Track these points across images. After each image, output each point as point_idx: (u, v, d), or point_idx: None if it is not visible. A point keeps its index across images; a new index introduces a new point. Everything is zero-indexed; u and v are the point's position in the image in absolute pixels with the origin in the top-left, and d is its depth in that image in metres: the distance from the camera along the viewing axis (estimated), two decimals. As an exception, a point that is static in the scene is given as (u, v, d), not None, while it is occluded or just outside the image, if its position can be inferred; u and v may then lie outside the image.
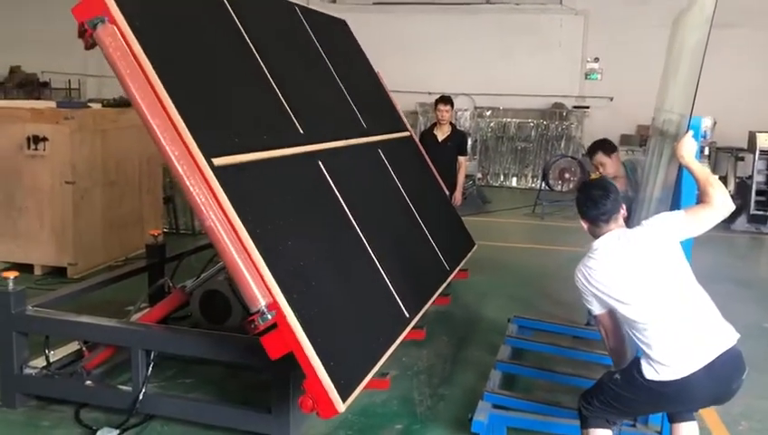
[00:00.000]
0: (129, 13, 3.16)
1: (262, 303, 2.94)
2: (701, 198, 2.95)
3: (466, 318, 5.71)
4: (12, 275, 3.80)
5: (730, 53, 12.79)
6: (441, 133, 7.00)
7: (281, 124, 4.08)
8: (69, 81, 17.03)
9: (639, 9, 13.66)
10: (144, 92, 3.03)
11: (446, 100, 7.01)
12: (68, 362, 4.00)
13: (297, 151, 4.02)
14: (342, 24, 6.55)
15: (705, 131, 8.46)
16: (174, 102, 3.10)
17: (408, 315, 4.15)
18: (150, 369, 3.67)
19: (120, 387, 3.84)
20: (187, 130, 3.09)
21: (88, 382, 3.81)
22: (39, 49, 16.91)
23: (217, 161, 3.19)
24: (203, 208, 2.97)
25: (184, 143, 3.06)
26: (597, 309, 3.03)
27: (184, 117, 3.11)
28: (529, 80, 14.42)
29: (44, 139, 6.17)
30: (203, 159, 3.09)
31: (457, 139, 7.12)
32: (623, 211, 3.06)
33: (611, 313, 3.00)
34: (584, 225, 3.09)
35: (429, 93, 10.84)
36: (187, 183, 2.98)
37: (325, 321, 3.28)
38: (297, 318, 3.02)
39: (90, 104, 7.34)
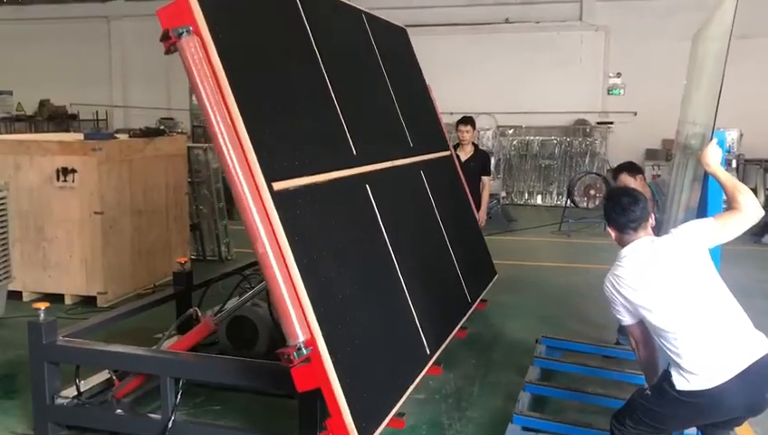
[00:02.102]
0: (214, 23, 3.12)
1: (300, 338, 2.95)
2: (730, 205, 2.93)
3: (493, 339, 5.66)
4: (43, 305, 3.85)
5: (755, 64, 12.69)
6: (464, 154, 7.01)
7: (337, 145, 4.06)
8: (96, 112, 17.41)
9: (660, 23, 13.61)
10: (219, 110, 3.02)
11: (466, 121, 7.03)
12: (98, 390, 4.04)
13: (348, 174, 4.00)
14: (403, 33, 6.54)
15: (728, 146, 8.39)
16: (244, 123, 3.08)
17: (428, 352, 4.13)
18: (179, 396, 3.69)
19: (150, 415, 3.86)
20: (253, 151, 3.07)
21: (118, 411, 3.84)
22: (67, 82, 17.35)
23: (277, 186, 3.17)
24: (257, 234, 2.98)
25: (248, 165, 3.04)
26: (627, 320, 3.00)
27: (252, 138, 3.09)
28: (551, 97, 14.41)
29: (73, 170, 6.29)
30: (264, 183, 3.07)
31: (480, 159, 7.13)
32: (652, 220, 3.04)
33: (642, 323, 2.97)
34: (612, 233, 3.06)
35: (451, 114, 10.86)
36: (246, 206, 2.99)
37: (355, 360, 3.27)
38: (330, 356, 3.01)
39: (117, 135, 7.48)
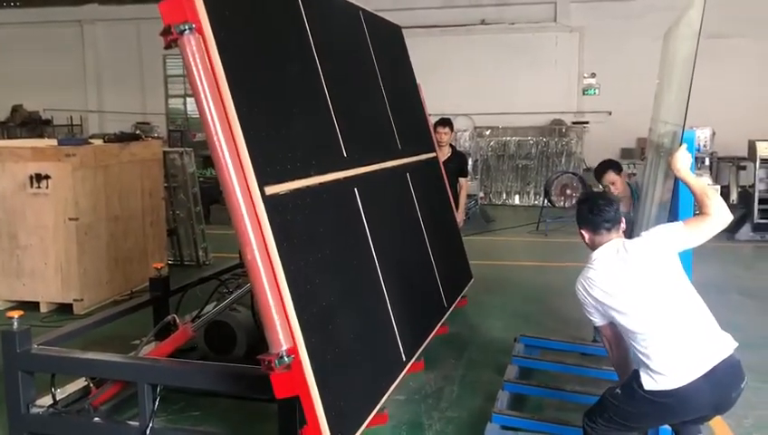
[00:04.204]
0: (216, 21, 3.04)
1: (283, 347, 2.93)
2: (699, 210, 2.97)
3: (473, 339, 5.68)
4: (16, 314, 3.80)
5: (728, 63, 12.90)
6: (441, 155, 7.01)
7: (329, 148, 4.03)
8: (71, 117, 17.21)
9: (633, 23, 13.78)
10: (217, 111, 2.95)
11: (444, 122, 7.05)
12: (75, 399, 4.00)
13: (338, 177, 3.97)
14: (398, 31, 6.53)
15: (698, 144, 8.48)
16: (241, 125, 3.02)
17: (404, 359, 4.14)
18: (157, 403, 3.66)
19: (128, 422, 3.81)
20: (247, 155, 3.02)
21: (95, 419, 3.80)
22: (40, 87, 17.13)
23: (269, 190, 3.13)
24: (248, 240, 2.94)
25: (242, 169, 2.99)
26: (598, 320, 3.06)
27: (247, 141, 3.04)
28: (527, 98, 14.52)
29: (47, 177, 6.22)
30: (257, 188, 3.02)
31: (457, 160, 7.15)
32: (623, 225, 3.11)
33: (613, 324, 3.02)
34: (585, 235, 3.12)
35: (429, 115, 10.97)
36: (238, 211, 2.94)
37: (334, 368, 3.27)
38: (311, 365, 3.00)
39: (91, 140, 7.40)
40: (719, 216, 2.90)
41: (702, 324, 2.88)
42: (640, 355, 2.86)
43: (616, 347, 3.11)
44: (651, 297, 2.87)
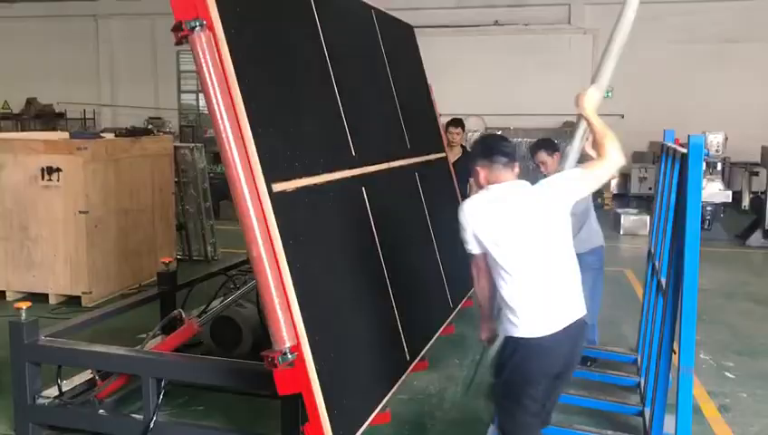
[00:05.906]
0: (227, 18, 3.05)
1: (287, 344, 2.94)
2: (597, 152, 3.01)
3: (477, 340, 5.65)
4: (24, 305, 3.83)
5: (741, 68, 12.80)
6: (452, 155, 7.01)
7: (337, 146, 4.03)
8: (84, 111, 17.32)
9: (648, 26, 13.65)
10: (226, 108, 2.96)
11: (456, 122, 7.06)
12: (81, 390, 4.02)
13: (346, 175, 3.97)
14: (409, 31, 6.54)
15: (709, 149, 8.42)
16: (250, 122, 3.03)
17: (408, 359, 4.14)
18: (161, 397, 3.68)
19: (133, 415, 3.85)
20: (255, 152, 3.02)
21: (100, 411, 3.82)
22: (55, 80, 17.26)
23: (277, 187, 3.15)
24: (254, 237, 2.94)
25: (250, 166, 3.00)
26: (474, 248, 3.00)
27: (256, 138, 3.05)
28: (539, 99, 14.47)
29: (58, 169, 6.26)
30: (264, 185, 3.03)
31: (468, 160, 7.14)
32: (516, 169, 3.04)
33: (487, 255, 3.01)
34: (481, 172, 3.01)
35: (440, 115, 10.94)
36: (244, 208, 2.95)
37: (338, 366, 3.27)
38: (314, 363, 3.01)
39: (103, 134, 7.45)
40: (613, 157, 2.90)
41: (568, 281, 2.94)
42: (505, 298, 2.91)
43: (484, 278, 3.07)
44: (528, 240, 2.87)
